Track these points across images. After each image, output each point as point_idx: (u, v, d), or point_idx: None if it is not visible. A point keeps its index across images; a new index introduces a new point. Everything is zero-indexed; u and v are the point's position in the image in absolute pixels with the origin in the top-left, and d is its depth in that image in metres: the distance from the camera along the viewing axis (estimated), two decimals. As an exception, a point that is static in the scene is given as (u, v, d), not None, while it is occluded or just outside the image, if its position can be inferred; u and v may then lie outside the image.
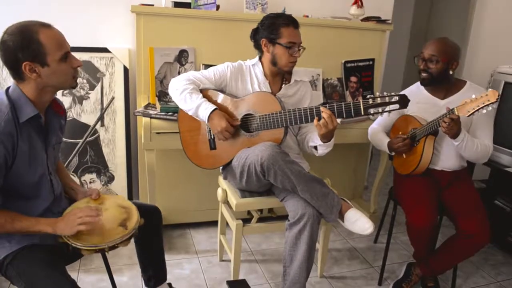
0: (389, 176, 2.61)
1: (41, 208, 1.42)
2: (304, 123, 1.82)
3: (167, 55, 2.41)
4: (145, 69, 2.40)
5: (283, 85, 2.02)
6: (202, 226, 2.68)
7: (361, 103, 1.71)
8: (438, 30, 4.21)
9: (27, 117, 1.31)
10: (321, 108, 1.75)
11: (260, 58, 2.01)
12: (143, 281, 1.81)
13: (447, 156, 2.06)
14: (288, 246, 1.81)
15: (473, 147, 1.92)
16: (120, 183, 2.62)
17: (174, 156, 2.45)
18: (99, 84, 2.51)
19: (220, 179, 2.15)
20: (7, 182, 1.31)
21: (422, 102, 2.08)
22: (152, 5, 2.37)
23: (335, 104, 1.74)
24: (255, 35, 1.97)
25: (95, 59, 2.49)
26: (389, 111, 1.70)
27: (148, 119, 2.13)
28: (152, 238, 1.72)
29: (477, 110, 1.71)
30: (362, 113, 1.72)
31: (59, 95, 2.37)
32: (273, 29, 1.89)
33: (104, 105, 2.53)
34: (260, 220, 2.11)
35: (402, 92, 1.74)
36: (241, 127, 1.91)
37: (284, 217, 1.89)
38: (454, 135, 1.86)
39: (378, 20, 2.76)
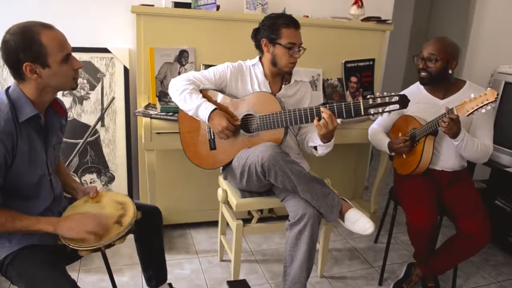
0: (389, 176, 2.61)
1: (41, 208, 1.42)
2: (304, 123, 1.82)
3: (167, 55, 2.41)
4: (145, 69, 2.41)
5: (283, 86, 2.02)
6: (202, 226, 2.68)
7: (361, 103, 1.71)
8: (438, 30, 4.21)
9: (27, 117, 1.31)
10: (321, 108, 1.75)
11: (260, 59, 2.01)
12: (144, 281, 1.82)
13: (447, 156, 2.06)
14: (289, 246, 1.81)
15: (473, 147, 1.92)
16: (120, 183, 2.62)
17: (175, 156, 2.45)
18: (100, 84, 2.51)
19: (221, 179, 2.15)
20: (7, 181, 1.31)
21: (422, 102, 2.08)
22: (153, 5, 2.37)
23: (335, 104, 1.74)
24: (256, 35, 1.97)
25: (95, 59, 2.49)
26: (389, 111, 1.70)
27: (148, 119, 2.13)
28: (153, 238, 1.72)
29: (476, 109, 1.70)
30: (362, 113, 1.72)
31: (59, 95, 2.36)
32: (273, 29, 1.89)
33: (105, 105, 2.54)
34: (261, 220, 2.11)
35: (402, 92, 1.74)
36: (241, 127, 1.91)
37: (285, 217, 1.89)
38: (454, 135, 1.86)
39: (378, 20, 2.76)
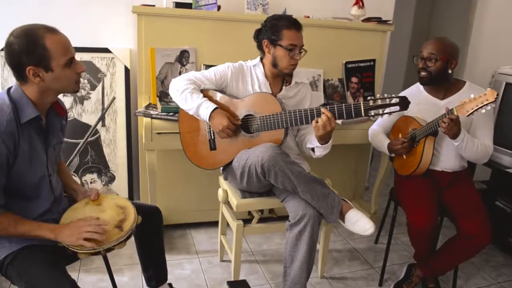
0: (390, 177, 2.61)
1: (41, 208, 1.42)
2: (305, 124, 1.82)
3: (168, 55, 2.41)
4: (146, 69, 2.41)
5: (284, 87, 2.02)
6: (202, 226, 2.68)
7: (361, 104, 1.71)
8: (439, 30, 4.21)
9: (28, 118, 1.31)
10: (322, 110, 1.75)
11: (261, 59, 2.01)
12: (144, 281, 1.82)
13: (447, 157, 2.06)
14: (289, 246, 1.81)
15: (473, 147, 1.92)
16: (121, 183, 2.62)
17: (175, 156, 2.46)
18: (100, 84, 2.51)
19: (221, 179, 2.16)
20: (9, 182, 1.31)
21: (422, 103, 2.08)
22: (153, 5, 2.37)
23: (335, 105, 1.74)
24: (258, 35, 1.97)
25: (96, 59, 2.49)
26: (390, 113, 1.70)
27: (149, 119, 2.13)
28: (153, 238, 1.72)
29: (476, 110, 1.70)
30: (363, 115, 1.72)
31: (60, 95, 2.37)
32: (275, 31, 1.89)
33: (105, 105, 2.54)
34: (261, 220, 2.11)
35: (402, 93, 1.74)
36: (241, 127, 1.91)
37: (285, 217, 1.89)
38: (454, 136, 1.86)
39: (379, 20, 2.76)
